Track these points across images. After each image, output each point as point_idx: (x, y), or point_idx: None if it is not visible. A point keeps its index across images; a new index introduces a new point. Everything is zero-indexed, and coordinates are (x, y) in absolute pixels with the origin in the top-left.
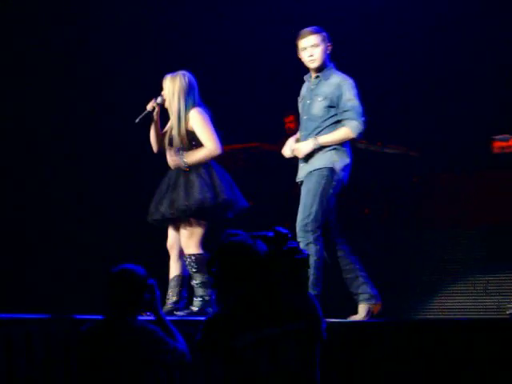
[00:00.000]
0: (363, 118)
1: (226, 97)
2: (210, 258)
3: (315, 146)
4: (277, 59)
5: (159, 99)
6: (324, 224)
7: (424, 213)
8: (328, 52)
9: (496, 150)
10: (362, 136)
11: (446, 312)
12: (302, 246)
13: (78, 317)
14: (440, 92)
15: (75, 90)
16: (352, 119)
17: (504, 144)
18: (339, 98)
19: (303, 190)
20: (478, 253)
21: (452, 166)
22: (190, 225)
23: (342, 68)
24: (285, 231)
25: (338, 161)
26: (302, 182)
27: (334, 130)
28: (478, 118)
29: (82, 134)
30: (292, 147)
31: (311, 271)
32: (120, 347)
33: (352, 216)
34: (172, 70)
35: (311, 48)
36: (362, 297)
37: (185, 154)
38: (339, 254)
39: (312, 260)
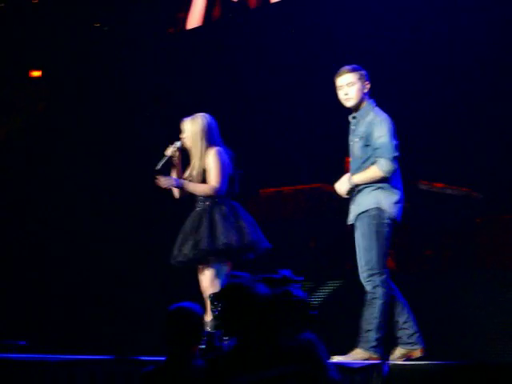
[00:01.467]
0: (394, 155)
1: (289, 137)
2: (212, 300)
3: (350, 185)
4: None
5: (178, 143)
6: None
7: (487, 253)
8: (365, 91)
9: None
10: (391, 173)
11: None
12: (368, 289)
13: (141, 358)
14: (504, 133)
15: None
16: (381, 157)
17: None
18: (371, 135)
19: (357, 234)
20: None
21: None
22: (213, 266)
23: (398, 107)
24: (290, 275)
25: (384, 199)
26: (352, 224)
27: None
28: None
29: (101, 187)
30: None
31: (375, 314)
32: None
33: (414, 257)
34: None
35: (347, 86)
36: (402, 340)
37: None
38: (393, 294)
39: (378, 303)
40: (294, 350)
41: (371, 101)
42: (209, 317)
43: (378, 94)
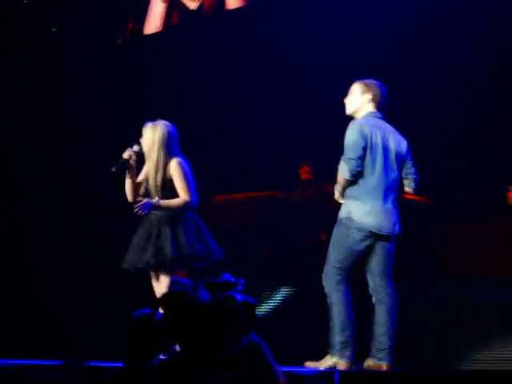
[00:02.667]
0: (351, 156)
1: (241, 144)
2: (151, 307)
3: (337, 194)
4: (294, 107)
5: (136, 147)
6: (364, 272)
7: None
8: (364, 102)
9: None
10: (354, 174)
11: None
12: (326, 293)
13: (91, 363)
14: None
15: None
16: (341, 160)
17: None
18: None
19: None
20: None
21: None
22: (171, 274)
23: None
24: (231, 279)
25: (355, 209)
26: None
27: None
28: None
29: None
30: None
31: (335, 318)
32: None
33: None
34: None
35: (348, 95)
36: (372, 352)
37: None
38: (380, 303)
39: (333, 308)
40: (238, 354)
41: (375, 112)
42: None
43: None
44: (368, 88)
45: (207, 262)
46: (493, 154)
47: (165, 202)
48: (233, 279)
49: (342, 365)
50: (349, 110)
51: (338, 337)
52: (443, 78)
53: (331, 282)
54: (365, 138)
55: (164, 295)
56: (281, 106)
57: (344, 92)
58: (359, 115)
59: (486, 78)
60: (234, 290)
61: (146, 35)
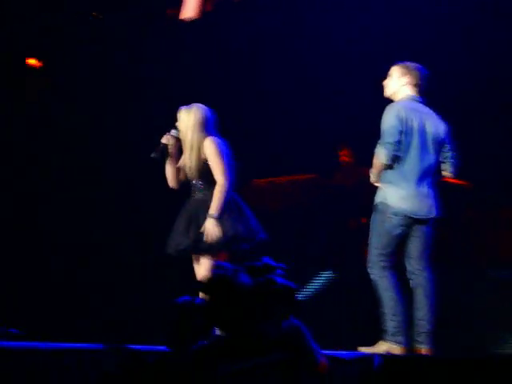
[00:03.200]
0: (388, 140)
1: (283, 127)
2: (193, 291)
3: (374, 177)
4: (336, 89)
5: (174, 132)
6: (402, 256)
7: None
8: (402, 84)
9: None
10: (391, 159)
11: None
12: (372, 281)
13: (131, 347)
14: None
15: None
16: (379, 144)
17: None
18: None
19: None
20: None
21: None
22: (213, 257)
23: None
24: (272, 262)
25: (390, 194)
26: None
27: None
28: None
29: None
30: None
31: (385, 303)
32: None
33: None
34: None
35: (387, 78)
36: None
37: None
38: (418, 287)
39: (385, 294)
40: (279, 338)
41: (414, 95)
42: None
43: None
44: (406, 71)
45: (250, 243)
46: None
47: (216, 210)
48: (273, 263)
49: (397, 349)
50: (387, 93)
51: (390, 322)
52: (491, 63)
53: (376, 269)
54: (401, 121)
55: (206, 279)
56: (323, 89)
57: (385, 74)
58: (397, 98)
59: None
60: (274, 274)
61: (181, 20)
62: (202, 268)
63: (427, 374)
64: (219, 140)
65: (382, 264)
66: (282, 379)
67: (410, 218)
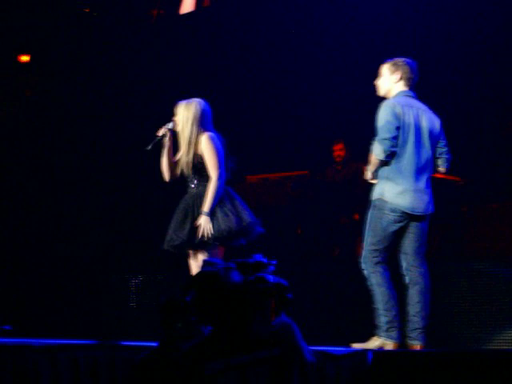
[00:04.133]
0: (382, 137)
1: (276, 124)
2: (183, 288)
3: (369, 174)
4: (328, 87)
5: (170, 124)
6: (397, 251)
7: (472, 243)
8: (394, 82)
9: None
10: (388, 155)
11: (496, 343)
12: (365, 277)
13: (124, 343)
14: (488, 122)
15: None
16: (375, 140)
17: None
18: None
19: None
20: None
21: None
22: (207, 251)
23: None
24: (263, 259)
25: (388, 190)
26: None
27: None
28: None
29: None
30: None
31: (378, 299)
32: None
33: None
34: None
35: (378, 77)
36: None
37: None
38: (413, 284)
39: (378, 290)
40: (268, 335)
41: (407, 90)
42: None
43: None
44: (396, 67)
45: (246, 237)
46: None
47: (209, 206)
48: (265, 260)
49: (390, 345)
50: (380, 92)
51: (383, 317)
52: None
53: (370, 265)
54: (397, 117)
55: (196, 276)
56: (316, 85)
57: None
58: (391, 95)
59: None
60: (265, 271)
61: (180, 15)
62: (197, 263)
63: (420, 370)
64: (215, 136)
65: (376, 260)
66: (271, 376)
67: (407, 214)
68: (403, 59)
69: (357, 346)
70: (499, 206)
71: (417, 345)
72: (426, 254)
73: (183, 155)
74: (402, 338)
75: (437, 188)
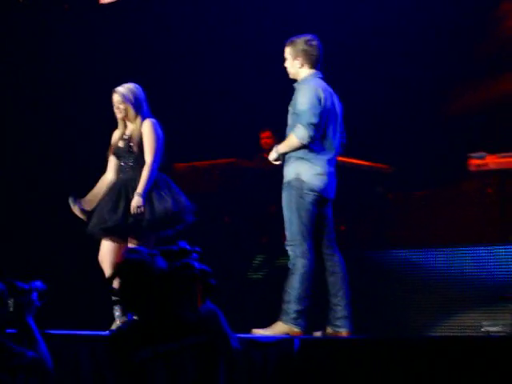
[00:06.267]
0: (309, 121)
1: (203, 111)
2: (109, 276)
3: (276, 154)
4: (254, 73)
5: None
6: (313, 235)
7: (398, 230)
8: (298, 67)
9: (472, 168)
10: (310, 140)
11: (421, 329)
12: (291, 259)
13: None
14: (414, 109)
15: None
16: (298, 123)
17: (480, 162)
18: (295, 102)
19: (282, 204)
20: (454, 270)
21: (427, 183)
22: (141, 237)
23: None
24: (187, 247)
25: (305, 170)
26: None
27: None
28: (455, 136)
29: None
30: None
31: (294, 285)
32: None
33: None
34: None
35: (286, 60)
36: (329, 321)
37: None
38: (331, 272)
39: (297, 274)
40: (194, 321)
41: (316, 72)
42: None
43: None
44: (296, 52)
45: (181, 222)
46: (454, 123)
47: (142, 188)
48: (188, 247)
49: (296, 332)
50: (291, 75)
51: (294, 305)
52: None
53: (298, 248)
54: (320, 102)
55: (121, 263)
56: (241, 71)
57: None
58: (300, 78)
59: (449, 42)
60: (189, 258)
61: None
62: (120, 250)
63: (347, 357)
64: (156, 122)
65: (304, 244)
66: (197, 363)
67: (322, 197)
68: (303, 39)
69: (257, 331)
70: (425, 193)
71: (342, 331)
72: (350, 240)
73: (119, 139)
74: (328, 327)
75: (363, 175)
